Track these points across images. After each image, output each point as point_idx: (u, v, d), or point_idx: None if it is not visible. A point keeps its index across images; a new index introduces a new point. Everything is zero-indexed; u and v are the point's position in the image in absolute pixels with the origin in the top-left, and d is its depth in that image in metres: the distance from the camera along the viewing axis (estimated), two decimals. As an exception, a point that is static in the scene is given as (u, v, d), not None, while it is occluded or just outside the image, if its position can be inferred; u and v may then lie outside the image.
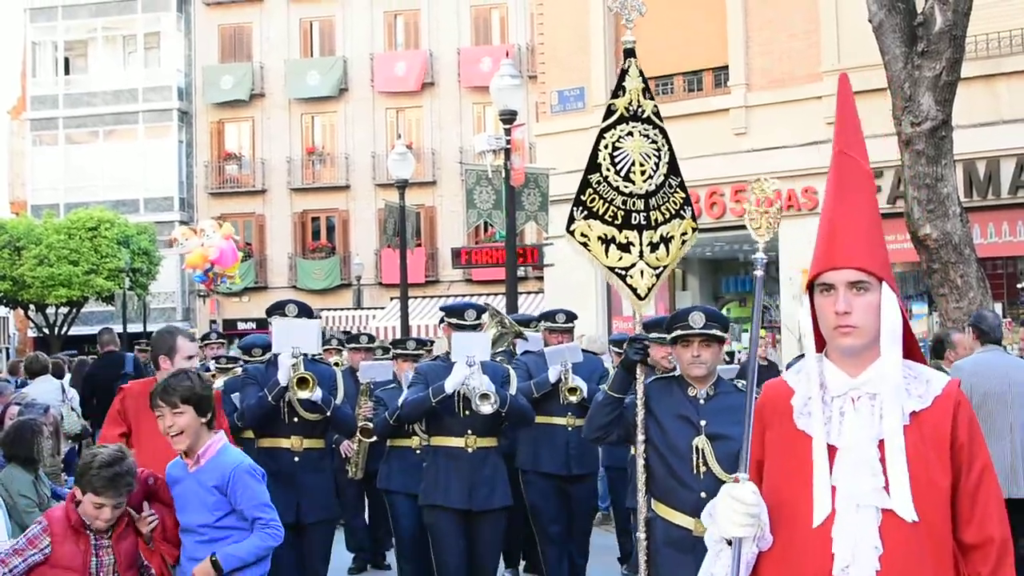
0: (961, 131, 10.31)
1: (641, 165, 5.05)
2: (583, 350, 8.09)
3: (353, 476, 8.75)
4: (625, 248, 5.04)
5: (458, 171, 30.66)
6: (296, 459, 6.52)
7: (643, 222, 5.05)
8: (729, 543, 2.76)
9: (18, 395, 9.25)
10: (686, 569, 4.48)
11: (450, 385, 6.46)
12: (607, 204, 5.04)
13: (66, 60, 38.63)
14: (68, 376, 12.99)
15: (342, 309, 34.35)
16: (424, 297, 31.91)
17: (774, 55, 16.84)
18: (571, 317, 8.33)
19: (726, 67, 17.47)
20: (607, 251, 5.05)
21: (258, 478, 4.62)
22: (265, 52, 36.98)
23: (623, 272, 5.07)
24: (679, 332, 4.91)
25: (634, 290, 5.06)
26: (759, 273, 2.99)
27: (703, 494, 4.60)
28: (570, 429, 7.76)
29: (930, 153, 8.81)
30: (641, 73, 5.11)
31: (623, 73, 5.13)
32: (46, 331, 34.06)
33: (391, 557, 9.17)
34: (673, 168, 5.16)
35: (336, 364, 8.61)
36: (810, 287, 2.80)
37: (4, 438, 6.35)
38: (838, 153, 2.87)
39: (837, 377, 2.76)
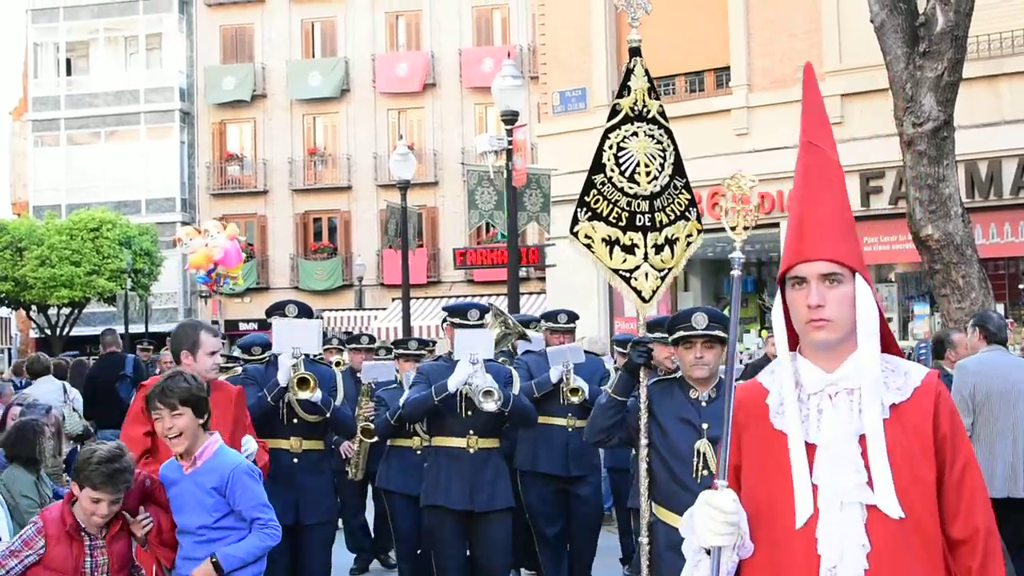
0: (963, 132, 10.31)
1: (646, 166, 4.97)
2: (584, 351, 8.07)
3: (353, 477, 8.74)
4: (629, 250, 4.96)
5: (460, 172, 30.67)
6: (295, 460, 6.47)
7: (648, 224, 4.96)
8: (708, 552, 2.68)
9: (20, 396, 9.24)
10: (688, 574, 4.46)
11: (453, 383, 6.39)
12: (611, 205, 4.94)
13: (68, 61, 38.62)
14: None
15: (344, 310, 34.36)
16: (426, 298, 31.90)
17: (775, 56, 16.83)
18: (573, 317, 8.29)
19: (727, 68, 17.47)
20: (611, 253, 4.96)
21: (256, 478, 4.61)
22: (267, 53, 36.98)
23: (627, 274, 4.98)
24: (681, 333, 4.88)
25: (638, 293, 4.97)
26: (736, 273, 2.90)
27: (704, 498, 4.57)
28: (570, 430, 7.71)
29: (932, 154, 8.80)
30: (647, 72, 5.04)
31: (628, 72, 5.03)
32: (48, 332, 34.07)
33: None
34: (679, 169, 5.07)
35: (337, 364, 8.59)
36: (781, 283, 2.71)
37: (6, 439, 6.33)
38: (805, 143, 2.80)
39: (812, 373, 2.66)
